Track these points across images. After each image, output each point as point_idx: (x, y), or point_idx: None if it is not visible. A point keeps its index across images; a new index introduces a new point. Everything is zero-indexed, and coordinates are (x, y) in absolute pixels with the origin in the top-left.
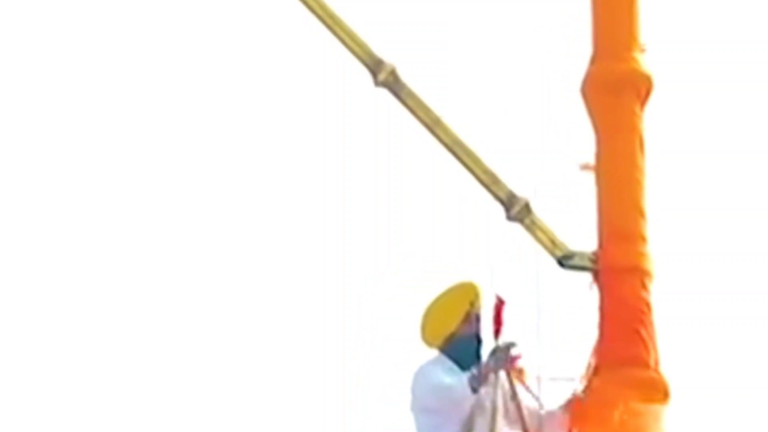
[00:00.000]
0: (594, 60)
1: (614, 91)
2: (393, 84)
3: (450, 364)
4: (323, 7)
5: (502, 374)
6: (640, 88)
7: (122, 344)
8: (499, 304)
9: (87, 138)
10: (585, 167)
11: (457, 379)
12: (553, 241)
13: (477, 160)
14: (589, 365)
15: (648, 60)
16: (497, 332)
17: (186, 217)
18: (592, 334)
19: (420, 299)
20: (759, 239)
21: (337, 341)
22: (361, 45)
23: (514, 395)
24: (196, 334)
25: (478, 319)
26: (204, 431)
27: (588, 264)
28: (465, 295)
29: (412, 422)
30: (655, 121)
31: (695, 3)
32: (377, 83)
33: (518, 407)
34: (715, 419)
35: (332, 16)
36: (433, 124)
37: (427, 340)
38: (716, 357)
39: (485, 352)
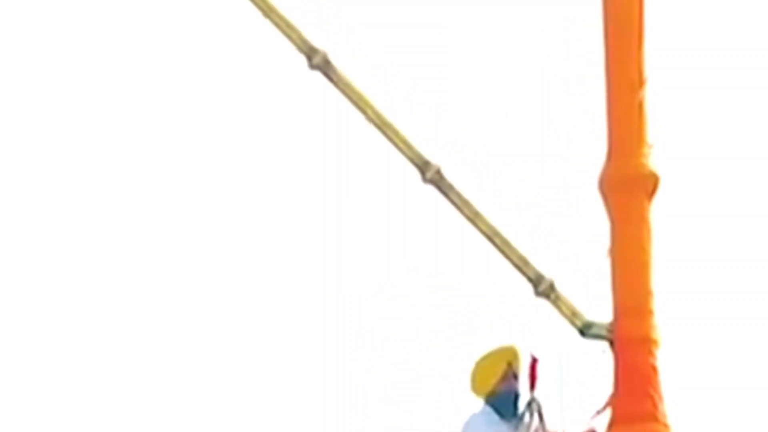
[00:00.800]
0: (608, 160)
1: (626, 188)
2: (439, 181)
3: (493, 414)
4: (379, 116)
5: (536, 419)
6: (648, 185)
7: (122, 344)
8: (534, 362)
9: (87, 155)
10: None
11: None
12: (574, 314)
13: (511, 247)
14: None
15: (655, 156)
16: (533, 385)
17: (187, 215)
18: (606, 394)
19: (420, 301)
20: (760, 243)
21: (337, 341)
22: (411, 147)
23: None
24: (197, 334)
25: (515, 377)
26: (204, 431)
27: (604, 333)
28: (504, 356)
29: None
30: (659, 126)
31: (702, 10)
32: (425, 181)
33: None
34: (716, 419)
35: (386, 123)
36: (474, 217)
37: (475, 391)
38: (716, 357)
39: (522, 404)
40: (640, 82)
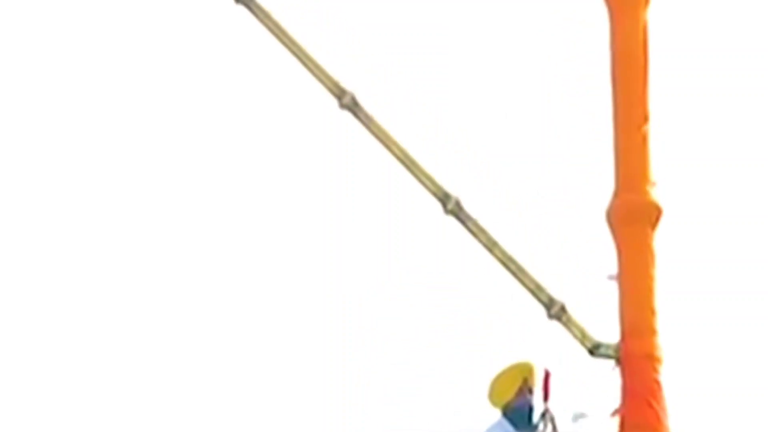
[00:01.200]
0: (616, 194)
1: (632, 220)
2: (458, 212)
3: (508, 426)
4: (405, 153)
5: (550, 430)
6: (652, 216)
7: (122, 344)
8: (547, 375)
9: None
10: (611, 278)
11: None
12: (584, 335)
13: (525, 273)
14: None
15: (658, 192)
16: (546, 397)
17: (188, 212)
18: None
19: (420, 301)
20: (760, 243)
21: (337, 341)
22: (432, 180)
23: None
24: (197, 334)
25: (530, 391)
26: (204, 431)
27: (612, 353)
28: (521, 372)
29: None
30: (661, 126)
31: (702, 10)
32: (446, 212)
33: None
34: (716, 419)
35: (411, 160)
36: (491, 245)
37: (493, 402)
38: (716, 357)
39: (536, 416)
40: (645, 119)
